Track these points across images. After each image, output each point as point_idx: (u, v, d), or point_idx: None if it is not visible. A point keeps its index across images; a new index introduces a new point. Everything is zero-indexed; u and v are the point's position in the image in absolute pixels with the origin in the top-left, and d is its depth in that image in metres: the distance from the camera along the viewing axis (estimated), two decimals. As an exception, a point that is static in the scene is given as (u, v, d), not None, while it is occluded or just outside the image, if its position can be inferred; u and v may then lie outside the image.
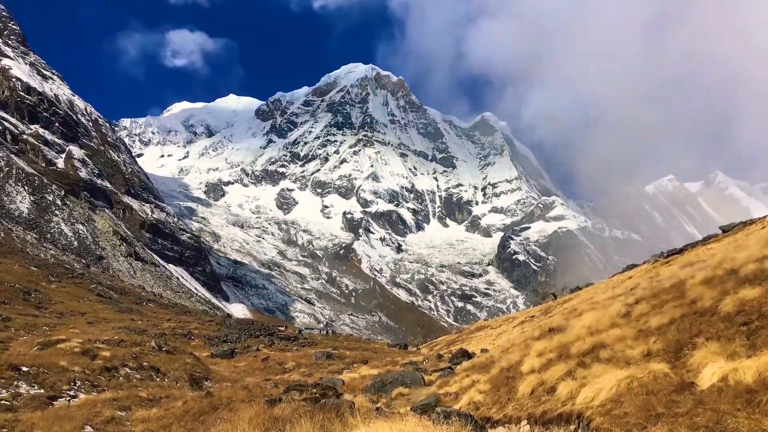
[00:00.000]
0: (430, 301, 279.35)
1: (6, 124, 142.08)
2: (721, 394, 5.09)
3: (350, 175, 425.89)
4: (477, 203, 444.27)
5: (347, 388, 18.00)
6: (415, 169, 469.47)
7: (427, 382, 15.96)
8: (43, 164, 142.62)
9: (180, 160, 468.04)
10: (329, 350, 40.28)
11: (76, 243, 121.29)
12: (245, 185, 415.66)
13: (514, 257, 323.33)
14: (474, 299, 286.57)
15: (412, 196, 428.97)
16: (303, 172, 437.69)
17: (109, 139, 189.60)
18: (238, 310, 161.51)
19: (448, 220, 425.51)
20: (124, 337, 31.04)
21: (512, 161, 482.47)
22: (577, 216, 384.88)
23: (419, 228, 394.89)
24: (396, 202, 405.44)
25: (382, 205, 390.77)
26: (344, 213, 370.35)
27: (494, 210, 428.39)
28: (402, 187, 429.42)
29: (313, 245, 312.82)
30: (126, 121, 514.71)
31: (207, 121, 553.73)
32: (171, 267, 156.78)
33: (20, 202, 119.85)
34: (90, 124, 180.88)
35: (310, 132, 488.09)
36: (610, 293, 20.56)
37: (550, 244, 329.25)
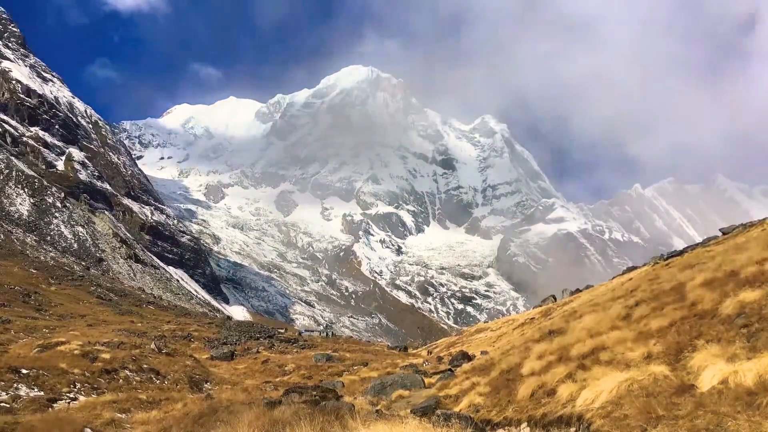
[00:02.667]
0: (429, 303, 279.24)
1: (6, 126, 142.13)
2: (721, 396, 5.09)
3: (350, 177, 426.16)
4: (477, 205, 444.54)
5: (347, 391, 17.99)
6: (415, 171, 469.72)
7: (427, 384, 15.93)
8: (43, 166, 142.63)
9: (180, 162, 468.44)
10: (329, 352, 40.20)
11: (75, 245, 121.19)
12: (245, 187, 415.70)
13: (513, 259, 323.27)
14: (474, 301, 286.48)
15: (411, 198, 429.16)
16: (303, 174, 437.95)
17: (109, 141, 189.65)
18: (238, 312, 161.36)
19: (447, 222, 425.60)
20: (123, 339, 31.00)
21: (512, 163, 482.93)
22: (577, 218, 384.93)
23: (419, 230, 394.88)
24: (396, 205, 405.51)
25: (382, 208, 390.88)
26: (344, 215, 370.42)
27: (494, 212, 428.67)
28: (402, 189, 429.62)
29: (312, 247, 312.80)
30: (126, 124, 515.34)
31: (207, 123, 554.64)
32: (171, 269, 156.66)
33: (20, 204, 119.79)
34: (90, 126, 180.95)
35: (310, 134, 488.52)
36: (610, 295, 20.55)
37: (550, 246, 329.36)
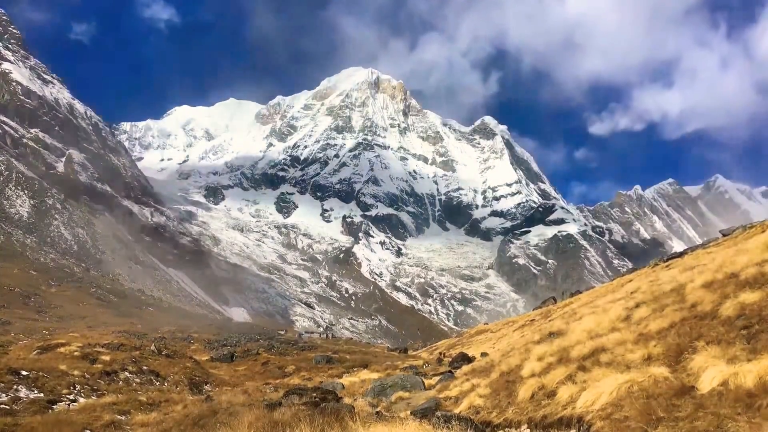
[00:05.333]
0: (430, 305, 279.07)
1: (6, 128, 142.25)
2: (721, 398, 5.09)
3: (350, 178, 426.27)
4: (477, 207, 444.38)
5: (347, 392, 17.96)
6: (415, 172, 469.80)
7: (427, 386, 15.91)
8: (43, 168, 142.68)
9: (180, 164, 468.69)
10: (329, 354, 40.18)
11: (76, 247, 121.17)
12: (245, 189, 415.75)
13: (514, 261, 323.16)
14: (474, 303, 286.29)
15: (412, 199, 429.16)
16: (303, 175, 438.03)
17: (109, 143, 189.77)
18: (238, 314, 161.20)
19: (448, 224, 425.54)
20: (123, 341, 30.98)
21: (512, 165, 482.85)
22: (577, 220, 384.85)
23: (419, 232, 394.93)
24: (396, 206, 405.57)
25: (382, 209, 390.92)
26: (344, 217, 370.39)
27: (494, 214, 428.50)
28: (402, 191, 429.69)
29: (312, 249, 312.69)
30: (126, 125, 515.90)
31: (206, 124, 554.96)
32: (171, 271, 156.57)
33: (20, 206, 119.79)
34: (90, 128, 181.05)
35: (310, 136, 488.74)
36: (610, 297, 20.56)
37: (550, 248, 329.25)
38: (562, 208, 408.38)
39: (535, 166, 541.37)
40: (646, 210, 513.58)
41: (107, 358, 21.96)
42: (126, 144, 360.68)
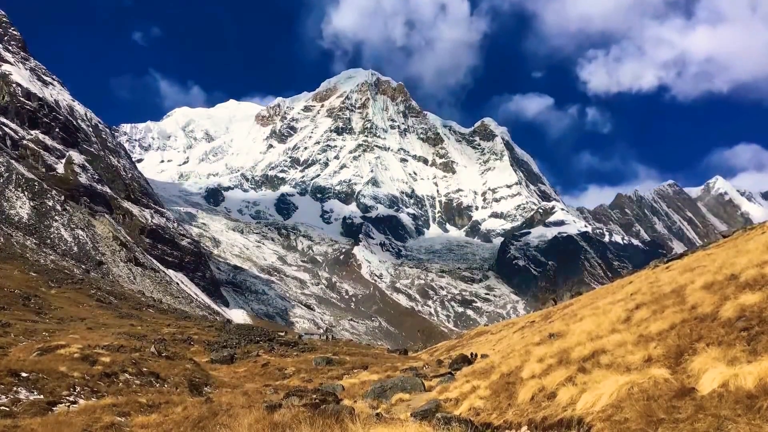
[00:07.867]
0: (430, 307, 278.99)
1: (6, 129, 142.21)
2: (721, 399, 5.09)
3: (350, 180, 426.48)
4: (477, 208, 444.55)
5: (347, 394, 17.94)
6: (415, 174, 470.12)
7: (428, 387, 15.90)
8: (43, 169, 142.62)
9: (180, 165, 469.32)
10: (329, 356, 40.14)
11: (75, 248, 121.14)
12: (245, 190, 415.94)
13: (514, 262, 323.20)
14: (474, 304, 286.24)
15: (412, 201, 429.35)
16: (303, 177, 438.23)
17: (109, 144, 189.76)
18: (238, 316, 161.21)
19: (448, 225, 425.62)
20: (123, 342, 30.94)
21: (512, 166, 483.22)
22: (577, 221, 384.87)
23: (419, 233, 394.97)
24: (396, 208, 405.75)
25: (382, 210, 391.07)
26: (344, 218, 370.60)
27: (494, 215, 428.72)
28: (402, 192, 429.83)
29: (312, 250, 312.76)
30: (126, 127, 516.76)
31: (206, 126, 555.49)
32: (171, 272, 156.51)
33: (20, 207, 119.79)
34: (90, 129, 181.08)
35: (310, 137, 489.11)
36: (610, 298, 20.56)
37: (550, 250, 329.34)
38: (562, 209, 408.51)
39: (535, 168, 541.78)
40: (646, 211, 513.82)
41: (107, 359, 21.94)
42: (126, 145, 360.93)
